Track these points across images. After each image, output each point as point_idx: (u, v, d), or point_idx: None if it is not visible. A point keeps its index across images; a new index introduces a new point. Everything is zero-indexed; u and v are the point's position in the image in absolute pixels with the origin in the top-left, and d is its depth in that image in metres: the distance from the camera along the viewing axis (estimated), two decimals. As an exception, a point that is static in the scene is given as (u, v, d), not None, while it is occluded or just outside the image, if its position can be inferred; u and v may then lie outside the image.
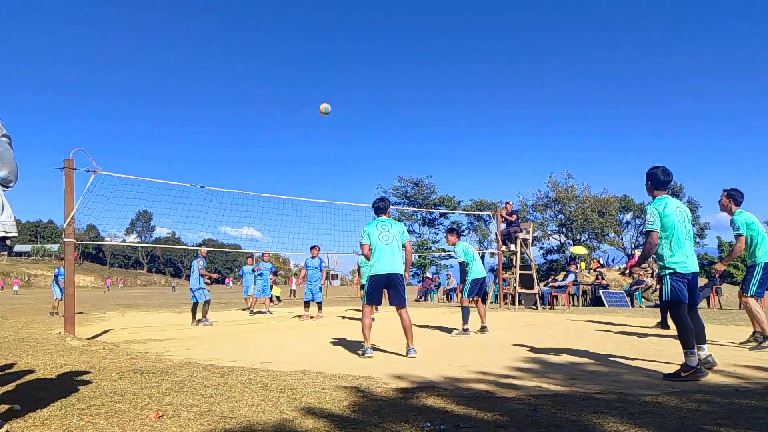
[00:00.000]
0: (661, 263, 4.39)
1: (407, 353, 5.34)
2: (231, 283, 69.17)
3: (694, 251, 4.44)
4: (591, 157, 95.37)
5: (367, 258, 5.59)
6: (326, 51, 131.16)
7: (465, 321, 7.42)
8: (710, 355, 4.37)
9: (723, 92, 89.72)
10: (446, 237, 7.95)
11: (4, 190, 2.57)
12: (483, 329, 7.53)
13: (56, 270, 13.20)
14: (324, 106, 8.39)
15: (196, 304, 9.77)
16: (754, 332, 5.90)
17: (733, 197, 5.94)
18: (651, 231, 4.38)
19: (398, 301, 5.48)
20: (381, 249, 5.46)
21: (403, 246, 5.66)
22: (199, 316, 9.77)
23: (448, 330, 8.06)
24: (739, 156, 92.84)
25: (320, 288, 11.23)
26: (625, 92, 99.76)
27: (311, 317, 10.99)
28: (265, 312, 13.29)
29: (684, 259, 4.31)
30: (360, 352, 5.46)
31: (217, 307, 14.72)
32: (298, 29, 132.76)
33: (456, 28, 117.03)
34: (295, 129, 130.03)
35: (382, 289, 5.52)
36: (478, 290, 7.57)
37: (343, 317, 11.46)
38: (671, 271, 4.30)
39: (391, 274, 5.43)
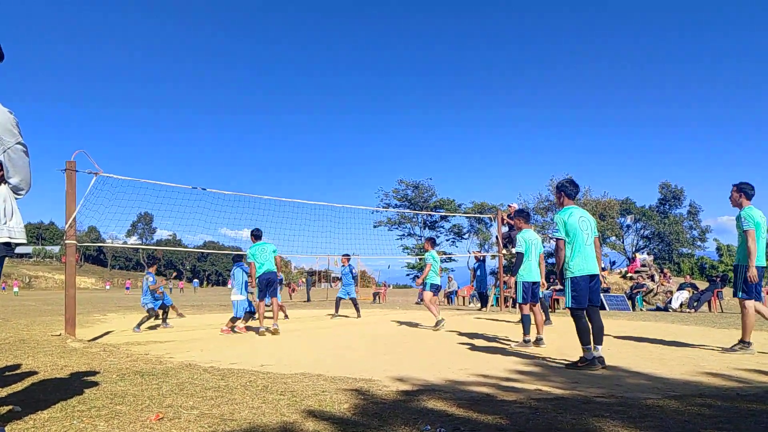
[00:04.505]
0: (564, 266, 4.88)
1: (273, 325, 8.14)
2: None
3: (595, 256, 4.90)
4: (592, 159, 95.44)
5: (251, 274, 8.38)
6: (325, 53, 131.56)
7: (525, 331, 6.54)
8: (601, 357, 4.74)
9: (726, 95, 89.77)
10: (515, 220, 7.26)
11: (15, 198, 2.57)
12: (538, 341, 6.47)
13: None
14: None
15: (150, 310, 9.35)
16: None
17: (744, 191, 5.72)
18: (558, 239, 4.91)
19: (274, 294, 8.52)
20: (264, 261, 8.28)
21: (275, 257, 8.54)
22: (155, 322, 9.59)
23: (450, 332, 8.05)
24: (741, 160, 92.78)
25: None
26: (627, 95, 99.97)
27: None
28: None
29: (583, 262, 4.80)
30: (261, 331, 8.03)
31: (218, 310, 14.72)
32: (298, 33, 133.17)
33: (457, 30, 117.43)
34: (295, 132, 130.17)
35: (266, 285, 8.29)
36: (533, 295, 6.71)
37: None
38: (571, 273, 4.81)
39: (271, 273, 8.33)
